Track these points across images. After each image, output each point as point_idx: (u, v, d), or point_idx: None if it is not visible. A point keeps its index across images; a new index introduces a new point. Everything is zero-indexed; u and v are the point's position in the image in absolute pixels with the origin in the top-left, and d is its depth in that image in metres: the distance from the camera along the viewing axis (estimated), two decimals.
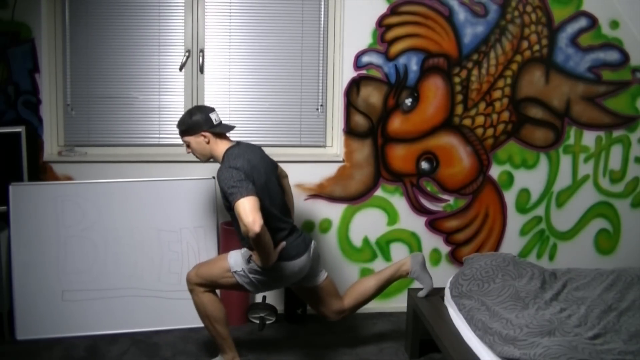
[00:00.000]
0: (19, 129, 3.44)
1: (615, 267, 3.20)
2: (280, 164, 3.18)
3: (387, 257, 3.90)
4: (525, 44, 3.81)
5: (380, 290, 3.25)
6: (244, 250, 2.88)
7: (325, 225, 3.84)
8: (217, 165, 2.89)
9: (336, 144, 3.86)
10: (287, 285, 3.17)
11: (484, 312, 2.78)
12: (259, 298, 3.77)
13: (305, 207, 3.79)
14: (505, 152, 3.90)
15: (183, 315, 3.43)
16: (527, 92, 3.86)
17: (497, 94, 3.84)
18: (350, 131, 3.78)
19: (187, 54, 3.74)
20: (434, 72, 3.77)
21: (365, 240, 3.88)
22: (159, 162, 3.67)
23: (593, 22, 3.84)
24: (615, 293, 2.89)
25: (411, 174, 3.86)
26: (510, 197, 3.95)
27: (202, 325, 3.05)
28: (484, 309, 2.81)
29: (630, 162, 4.01)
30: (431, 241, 3.93)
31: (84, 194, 3.50)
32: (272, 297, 3.78)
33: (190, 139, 2.91)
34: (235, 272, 2.87)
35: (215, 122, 2.89)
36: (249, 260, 2.82)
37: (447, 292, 3.11)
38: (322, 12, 3.79)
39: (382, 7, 3.69)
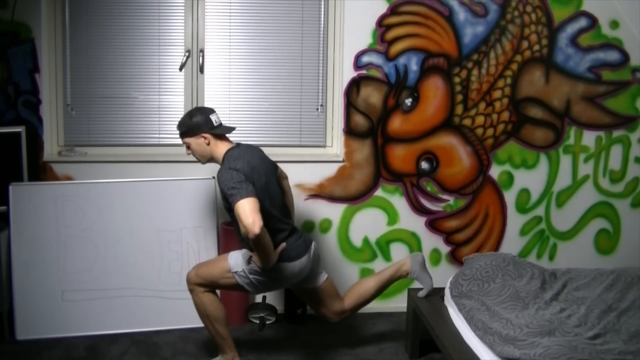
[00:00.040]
0: (19, 129, 3.45)
1: (615, 267, 3.20)
2: (281, 164, 3.18)
3: (387, 257, 3.90)
4: (525, 44, 3.81)
5: (380, 291, 3.25)
6: (244, 250, 2.88)
7: (325, 225, 3.84)
8: (217, 165, 2.90)
9: (336, 144, 3.86)
10: (288, 287, 3.18)
11: (484, 312, 2.78)
12: (259, 298, 3.77)
13: (305, 207, 3.79)
14: (505, 152, 3.90)
15: (183, 315, 3.43)
16: (527, 92, 3.86)
17: (497, 94, 3.84)
18: (350, 131, 3.78)
19: (187, 54, 3.74)
20: (434, 72, 3.77)
21: (365, 240, 3.88)
22: (159, 162, 3.67)
23: (593, 22, 3.84)
24: (615, 293, 2.90)
25: (411, 174, 3.86)
26: (510, 197, 3.95)
27: (202, 325, 3.05)
28: (484, 309, 2.81)
29: (630, 162, 4.01)
30: (431, 241, 3.93)
31: (84, 194, 3.50)
32: (272, 297, 3.78)
33: (191, 140, 2.91)
34: (235, 272, 2.87)
35: (215, 124, 2.89)
36: (249, 260, 2.82)
37: (447, 292, 3.11)
38: (322, 12, 3.79)
39: (382, 7, 3.69)
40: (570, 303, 2.84)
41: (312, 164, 3.78)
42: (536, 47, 3.82)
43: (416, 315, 3.22)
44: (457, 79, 3.79)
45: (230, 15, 3.74)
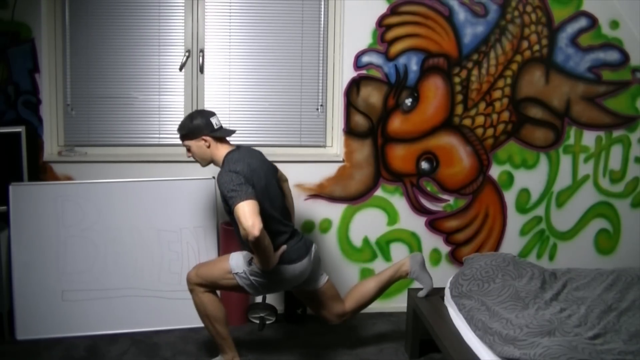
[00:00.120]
0: (19, 129, 3.45)
1: (615, 267, 3.20)
2: (281, 164, 3.18)
3: (387, 257, 3.90)
4: (525, 44, 3.81)
5: (380, 292, 3.25)
6: (245, 252, 2.88)
7: (325, 225, 3.84)
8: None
9: (336, 144, 3.86)
10: (288, 289, 3.17)
11: (484, 312, 2.78)
12: (259, 298, 3.77)
13: (305, 207, 3.79)
14: (505, 152, 3.90)
15: (183, 315, 3.43)
16: (527, 92, 3.86)
17: (497, 94, 3.84)
18: (350, 131, 3.78)
19: (187, 54, 3.74)
20: (434, 72, 3.77)
21: (365, 240, 3.88)
22: (159, 162, 3.67)
23: (593, 22, 3.84)
24: (615, 293, 2.89)
25: (411, 174, 3.86)
26: (510, 197, 3.95)
27: (202, 325, 3.05)
28: (484, 309, 2.81)
29: (630, 162, 4.01)
30: (431, 241, 3.93)
31: (84, 194, 3.50)
32: (272, 297, 3.78)
33: (191, 143, 2.92)
34: (236, 273, 2.87)
35: (215, 127, 2.90)
36: (250, 262, 2.82)
37: (447, 292, 3.11)
38: (322, 12, 3.79)
39: (382, 7, 3.69)
40: (570, 303, 2.84)
41: (312, 164, 3.78)
42: (536, 47, 3.82)
43: (416, 315, 3.22)
44: (457, 79, 3.79)
45: (230, 15, 3.74)
